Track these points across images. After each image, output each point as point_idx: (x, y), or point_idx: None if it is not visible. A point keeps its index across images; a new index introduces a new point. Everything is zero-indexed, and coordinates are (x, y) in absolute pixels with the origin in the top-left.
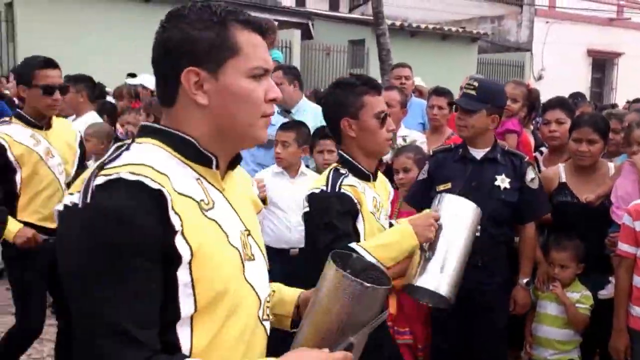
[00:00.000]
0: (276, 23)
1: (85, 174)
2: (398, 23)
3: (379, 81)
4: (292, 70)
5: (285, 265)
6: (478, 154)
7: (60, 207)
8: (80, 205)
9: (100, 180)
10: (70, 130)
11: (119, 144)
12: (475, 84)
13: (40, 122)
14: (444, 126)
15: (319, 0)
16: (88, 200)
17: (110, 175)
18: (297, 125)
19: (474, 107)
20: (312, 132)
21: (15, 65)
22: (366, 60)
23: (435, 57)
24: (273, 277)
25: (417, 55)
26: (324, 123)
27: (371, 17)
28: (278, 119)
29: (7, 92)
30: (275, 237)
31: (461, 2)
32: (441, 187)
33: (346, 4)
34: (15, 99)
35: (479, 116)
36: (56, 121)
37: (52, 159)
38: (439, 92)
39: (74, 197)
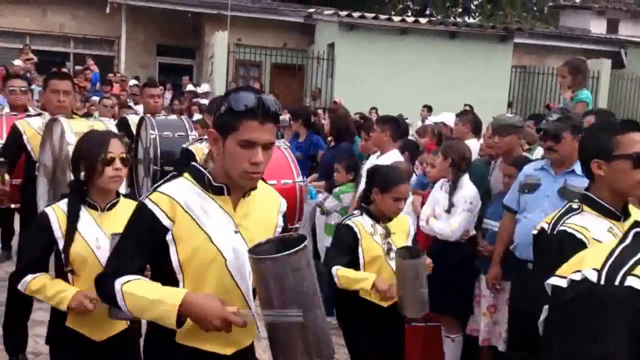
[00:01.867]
0: (586, 60)
1: None
2: None
3: None
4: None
5: None
6: None
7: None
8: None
9: None
10: None
11: None
12: None
13: None
14: None
15: (635, 25)
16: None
17: None
18: None
19: None
20: None
21: (332, 98)
22: None
23: None
24: None
25: None
26: None
27: None
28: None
29: (323, 121)
30: None
31: None
32: None
33: None
34: (327, 133)
35: None
36: None
37: None
38: None
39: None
